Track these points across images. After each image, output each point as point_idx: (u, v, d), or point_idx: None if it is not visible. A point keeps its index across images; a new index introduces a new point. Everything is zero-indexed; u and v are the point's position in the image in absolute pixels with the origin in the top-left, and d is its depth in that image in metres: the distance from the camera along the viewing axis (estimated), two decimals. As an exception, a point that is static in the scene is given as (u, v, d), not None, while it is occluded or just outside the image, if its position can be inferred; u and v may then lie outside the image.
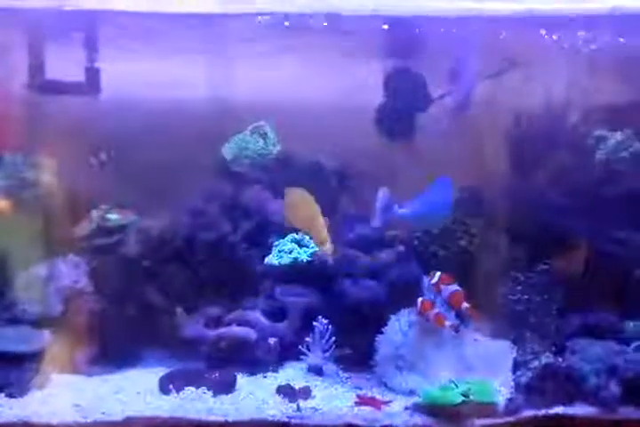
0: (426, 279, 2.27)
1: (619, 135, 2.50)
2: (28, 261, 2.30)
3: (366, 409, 1.95)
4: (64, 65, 2.74)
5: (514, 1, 2.32)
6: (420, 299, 2.16)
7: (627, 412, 1.97)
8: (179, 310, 2.32)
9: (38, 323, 2.18)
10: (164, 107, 2.74)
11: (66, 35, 2.65)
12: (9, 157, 2.52)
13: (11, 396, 1.99)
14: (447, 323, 2.07)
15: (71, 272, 2.30)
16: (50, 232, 2.39)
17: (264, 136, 2.76)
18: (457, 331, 2.09)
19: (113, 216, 2.48)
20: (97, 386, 2.10)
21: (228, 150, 2.77)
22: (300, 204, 2.12)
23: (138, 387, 2.08)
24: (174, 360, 2.25)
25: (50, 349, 2.13)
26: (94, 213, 2.48)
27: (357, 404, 1.98)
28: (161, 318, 2.32)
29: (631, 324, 2.25)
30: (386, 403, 1.98)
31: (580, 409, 1.97)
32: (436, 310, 2.10)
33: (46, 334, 2.14)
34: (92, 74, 2.76)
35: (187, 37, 2.67)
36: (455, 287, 2.10)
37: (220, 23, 2.53)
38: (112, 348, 2.23)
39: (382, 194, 2.25)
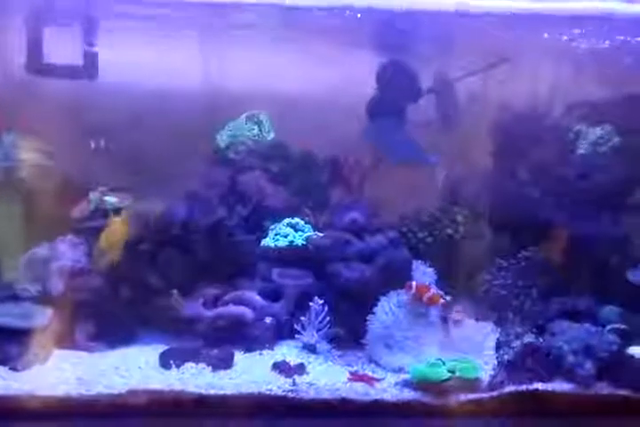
0: (417, 265, 2.39)
1: (598, 130, 2.63)
2: (29, 241, 2.35)
3: (359, 385, 2.05)
4: (62, 48, 2.76)
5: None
6: (413, 283, 2.26)
7: (600, 388, 2.10)
8: (173, 291, 2.38)
9: (39, 301, 2.23)
10: (160, 94, 2.79)
11: (65, 18, 2.68)
12: (5, 137, 2.55)
13: (14, 369, 2.04)
14: (441, 301, 2.20)
15: (71, 252, 2.34)
16: (49, 213, 2.44)
17: (259, 123, 2.83)
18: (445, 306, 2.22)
19: (111, 199, 2.53)
20: (97, 361, 2.15)
21: (222, 137, 2.82)
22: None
23: (138, 363, 2.14)
24: (171, 339, 2.31)
25: (51, 325, 2.18)
26: (92, 195, 2.53)
27: (350, 380, 2.07)
28: (157, 299, 2.38)
29: (607, 308, 2.39)
30: (378, 380, 2.08)
31: (558, 385, 2.10)
32: (432, 292, 2.21)
33: (47, 311, 2.19)
34: (90, 58, 2.78)
35: (184, 25, 2.72)
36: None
37: (216, 12, 2.57)
38: (111, 325, 2.28)
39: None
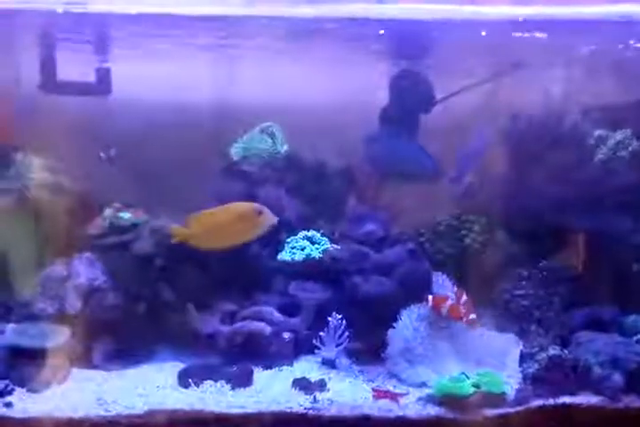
0: (436, 277, 2.34)
1: (618, 135, 2.58)
2: (45, 259, 2.34)
3: (382, 401, 2.01)
4: (74, 65, 2.77)
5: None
6: (430, 296, 2.22)
7: (629, 401, 2.04)
8: (189, 306, 2.36)
9: (57, 320, 2.22)
10: (172, 108, 2.79)
11: (76, 35, 2.69)
12: (20, 157, 2.55)
13: (32, 391, 2.03)
14: (462, 311, 2.15)
15: (88, 270, 2.33)
16: (65, 231, 2.43)
17: (272, 136, 2.81)
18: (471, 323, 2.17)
19: (125, 215, 2.52)
20: (115, 381, 2.13)
21: (236, 150, 2.81)
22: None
23: (156, 381, 2.12)
24: (187, 356, 2.28)
25: (68, 345, 2.17)
26: (107, 212, 2.52)
27: (375, 397, 2.02)
28: (174, 315, 2.36)
29: (632, 317, 2.33)
30: (402, 395, 2.04)
31: (586, 399, 2.04)
32: (450, 302, 2.16)
33: (64, 331, 2.18)
34: (102, 75, 2.79)
35: (193, 39, 2.72)
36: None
37: (225, 24, 2.56)
38: (128, 343, 2.26)
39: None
